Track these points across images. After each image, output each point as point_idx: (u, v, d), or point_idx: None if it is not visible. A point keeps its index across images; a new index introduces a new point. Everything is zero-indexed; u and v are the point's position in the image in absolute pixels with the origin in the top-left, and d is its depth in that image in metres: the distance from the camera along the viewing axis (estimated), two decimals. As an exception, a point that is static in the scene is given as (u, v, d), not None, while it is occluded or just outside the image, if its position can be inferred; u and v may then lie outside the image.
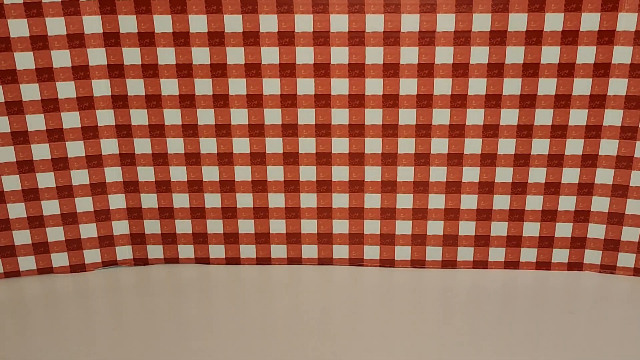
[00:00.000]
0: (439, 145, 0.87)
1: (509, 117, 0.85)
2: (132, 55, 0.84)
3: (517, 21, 0.81)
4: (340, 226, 0.93)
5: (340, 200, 0.91)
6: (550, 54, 0.82)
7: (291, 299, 0.87)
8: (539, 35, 0.81)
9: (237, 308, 0.84)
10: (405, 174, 0.89)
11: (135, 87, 0.86)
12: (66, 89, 0.85)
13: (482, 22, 0.81)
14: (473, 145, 0.87)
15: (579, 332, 0.79)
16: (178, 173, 0.90)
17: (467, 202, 0.90)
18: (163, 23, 0.83)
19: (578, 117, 0.85)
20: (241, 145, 0.89)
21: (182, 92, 0.86)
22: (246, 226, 0.93)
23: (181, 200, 0.92)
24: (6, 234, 0.91)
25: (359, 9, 0.81)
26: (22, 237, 0.91)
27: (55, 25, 0.82)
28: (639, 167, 0.86)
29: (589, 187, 0.89)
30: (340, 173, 0.90)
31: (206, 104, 0.87)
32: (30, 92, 0.84)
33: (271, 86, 0.85)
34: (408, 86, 0.84)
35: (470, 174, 0.89)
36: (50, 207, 0.90)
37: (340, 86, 0.85)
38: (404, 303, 0.85)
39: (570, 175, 0.88)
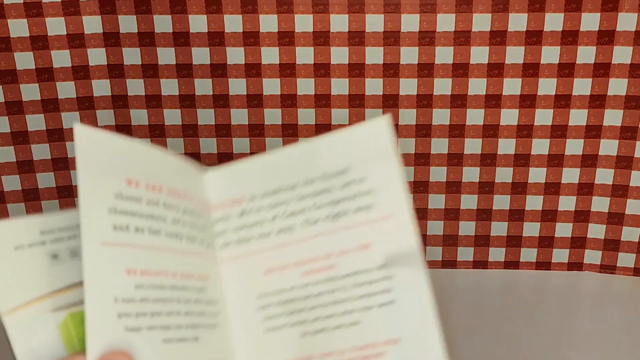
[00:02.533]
0: (439, 145, 0.87)
1: (509, 117, 0.85)
2: (132, 55, 0.84)
3: (517, 21, 0.81)
4: (340, 226, 0.92)
5: (340, 200, 0.91)
6: (550, 54, 0.82)
7: (291, 299, 0.87)
8: (539, 35, 0.81)
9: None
10: (405, 174, 0.89)
11: (135, 87, 0.86)
12: (66, 89, 0.85)
13: (482, 22, 0.81)
14: (473, 145, 0.87)
15: (579, 332, 0.79)
16: (178, 173, 0.90)
17: (467, 202, 0.90)
18: (163, 23, 0.83)
19: (578, 117, 0.85)
20: (241, 145, 0.89)
21: (182, 92, 0.86)
22: (246, 226, 0.93)
23: (181, 200, 0.92)
24: (6, 234, 0.90)
25: (359, 9, 0.81)
26: (22, 237, 0.91)
27: (55, 26, 0.82)
28: (639, 167, 0.86)
29: (589, 187, 0.89)
30: (340, 173, 0.89)
31: (206, 104, 0.87)
32: (30, 92, 0.84)
33: (271, 86, 0.85)
34: (408, 86, 0.84)
35: (470, 174, 0.89)
36: (50, 208, 0.90)
37: (340, 86, 0.85)
38: (404, 303, 0.85)
39: (570, 175, 0.88)
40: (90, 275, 0.37)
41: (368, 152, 0.45)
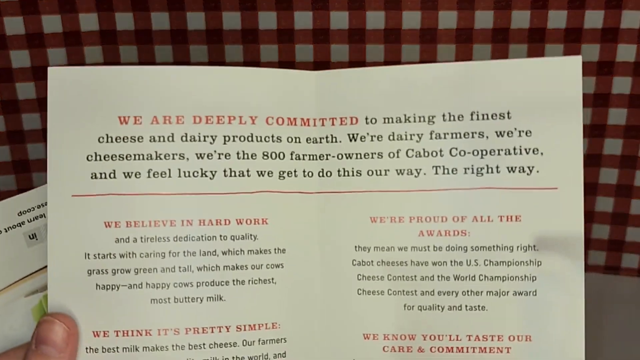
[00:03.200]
0: (441, 145, 0.87)
1: (512, 116, 0.85)
2: (128, 53, 0.84)
3: (520, 18, 0.80)
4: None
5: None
6: (554, 52, 0.82)
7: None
8: (541, 33, 0.81)
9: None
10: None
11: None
12: (62, 88, 0.84)
13: (484, 19, 0.80)
14: (475, 145, 0.86)
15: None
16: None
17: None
18: (160, 20, 0.82)
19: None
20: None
21: (180, 90, 0.85)
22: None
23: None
24: (2, 235, 0.90)
25: (359, 5, 0.80)
26: (17, 237, 0.90)
27: (51, 23, 0.82)
28: (643, 167, 0.86)
29: (593, 187, 0.88)
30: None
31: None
32: (26, 91, 0.84)
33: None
34: (409, 84, 0.84)
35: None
36: (47, 208, 0.89)
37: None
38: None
39: (574, 175, 0.87)
40: (54, 230, 0.34)
41: (542, 99, 0.34)
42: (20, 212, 0.38)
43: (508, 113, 0.34)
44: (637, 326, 0.79)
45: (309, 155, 0.36)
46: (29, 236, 0.38)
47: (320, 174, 0.36)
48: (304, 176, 0.36)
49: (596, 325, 0.79)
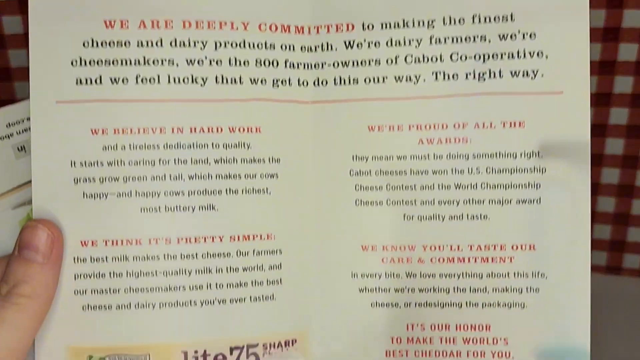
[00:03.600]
0: (441, 144, 0.86)
1: (512, 115, 0.84)
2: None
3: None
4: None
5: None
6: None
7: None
8: (542, 32, 0.80)
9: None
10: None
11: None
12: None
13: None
14: (475, 145, 0.86)
15: (584, 335, 0.78)
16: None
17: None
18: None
19: (583, 115, 0.84)
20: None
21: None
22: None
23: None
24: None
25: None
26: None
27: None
28: (645, 167, 0.85)
29: (594, 187, 0.87)
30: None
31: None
32: (25, 90, 0.83)
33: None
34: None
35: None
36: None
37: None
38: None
39: (575, 175, 0.87)
40: (38, 137, 0.33)
41: (547, 0, 0.33)
42: (9, 124, 0.36)
43: (511, 15, 0.33)
44: (638, 327, 0.79)
45: (304, 64, 0.35)
46: (18, 148, 0.37)
47: (316, 83, 0.35)
48: (299, 85, 0.35)
49: (597, 326, 0.78)
